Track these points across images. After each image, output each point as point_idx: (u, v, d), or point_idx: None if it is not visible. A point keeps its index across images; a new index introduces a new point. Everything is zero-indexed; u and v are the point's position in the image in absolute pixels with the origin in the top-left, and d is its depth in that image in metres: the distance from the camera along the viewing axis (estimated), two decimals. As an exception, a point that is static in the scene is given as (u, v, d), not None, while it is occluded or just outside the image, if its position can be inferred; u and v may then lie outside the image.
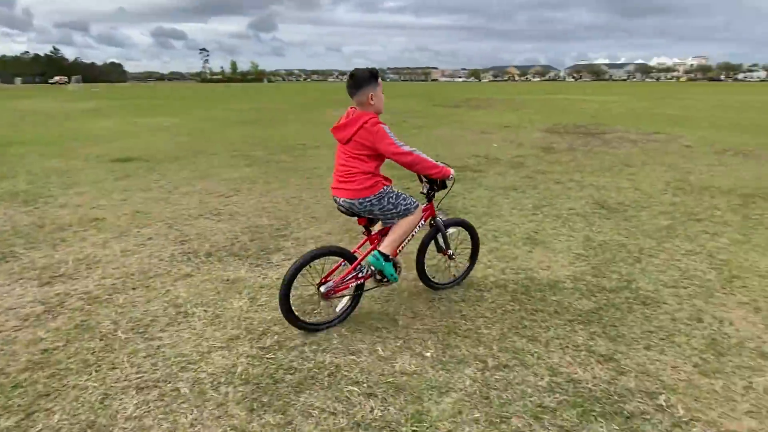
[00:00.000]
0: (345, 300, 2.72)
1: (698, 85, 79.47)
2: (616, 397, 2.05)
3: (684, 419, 1.92)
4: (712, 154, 8.36)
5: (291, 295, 2.49)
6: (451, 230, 3.13)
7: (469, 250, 3.28)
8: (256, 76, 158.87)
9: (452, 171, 2.75)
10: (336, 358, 2.38)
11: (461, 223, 3.25)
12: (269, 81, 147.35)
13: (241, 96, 37.16)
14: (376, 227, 2.83)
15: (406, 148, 2.55)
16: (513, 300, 2.98)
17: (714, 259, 3.61)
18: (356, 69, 2.54)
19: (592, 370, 2.24)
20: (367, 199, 2.53)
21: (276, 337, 2.59)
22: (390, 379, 2.19)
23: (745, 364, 2.28)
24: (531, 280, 3.27)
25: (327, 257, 2.64)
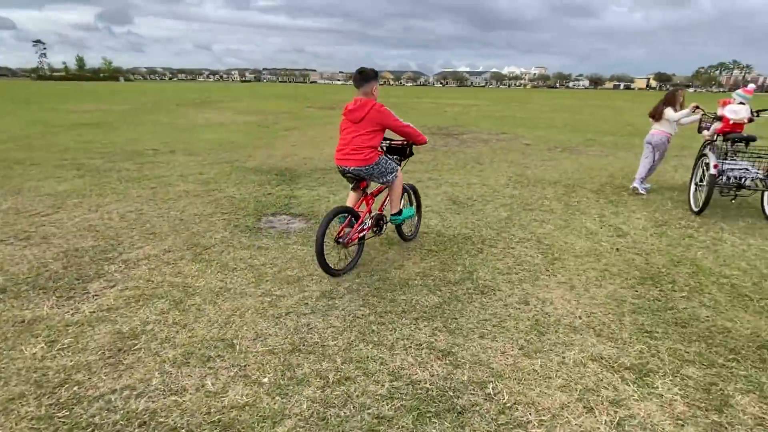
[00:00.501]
0: None
1: (540, 91, 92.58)
2: (450, 393, 2.09)
3: (508, 404, 2.03)
4: (546, 150, 9.64)
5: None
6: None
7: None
8: (110, 73, 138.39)
9: (427, 138, 3.64)
10: (153, 402, 2.01)
11: (412, 187, 4.07)
12: (127, 80, 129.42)
13: (86, 95, 32.06)
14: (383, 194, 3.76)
15: (405, 123, 3.42)
16: (364, 304, 2.92)
17: (541, 244, 4.05)
18: (363, 68, 3.32)
19: (431, 368, 2.27)
20: (370, 166, 3.31)
21: (76, 387, 2.11)
22: (216, 417, 1.92)
23: (560, 341, 2.53)
24: (384, 281, 3.27)
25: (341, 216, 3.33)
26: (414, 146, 3.71)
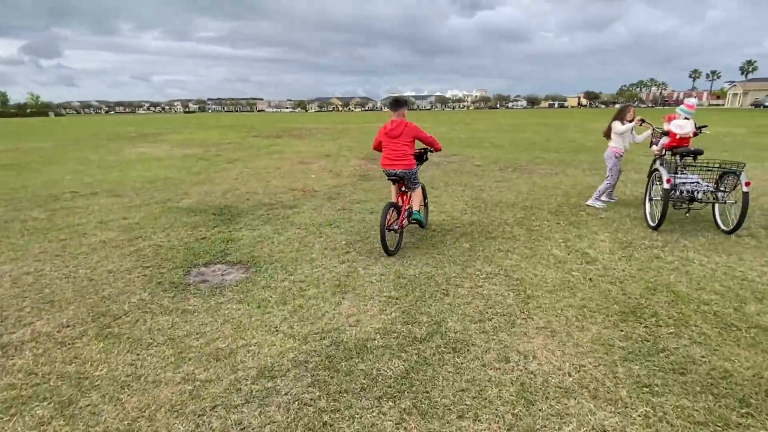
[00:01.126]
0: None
1: (482, 112, 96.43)
2: None
3: None
4: (497, 171, 9.57)
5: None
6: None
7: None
8: (38, 109, 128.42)
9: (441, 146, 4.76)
10: None
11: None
12: (57, 114, 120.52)
13: (4, 134, 29.26)
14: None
15: (429, 135, 4.49)
16: (313, 383, 2.36)
17: (510, 279, 3.69)
18: (397, 97, 4.47)
19: (403, 476, 1.75)
20: (411, 170, 4.36)
21: None
22: None
23: (553, 411, 2.10)
24: (337, 345, 2.72)
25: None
26: (429, 152, 4.79)
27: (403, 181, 4.45)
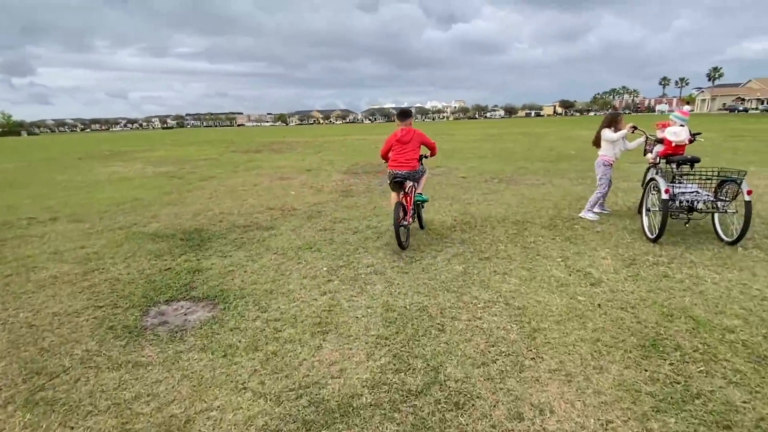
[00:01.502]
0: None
1: (462, 122, 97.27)
2: None
3: None
4: (483, 183, 9.28)
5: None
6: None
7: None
8: (11, 128, 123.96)
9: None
10: None
11: None
12: (30, 134, 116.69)
13: (-35, 154, 27.84)
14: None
15: (432, 141, 5.10)
16: (287, 461, 1.91)
17: (511, 308, 3.31)
18: (404, 108, 5.28)
19: None
20: (417, 170, 4.98)
21: None
22: None
23: (584, 489, 1.71)
24: (317, 405, 2.28)
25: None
26: (425, 158, 5.26)
27: (410, 179, 4.93)
